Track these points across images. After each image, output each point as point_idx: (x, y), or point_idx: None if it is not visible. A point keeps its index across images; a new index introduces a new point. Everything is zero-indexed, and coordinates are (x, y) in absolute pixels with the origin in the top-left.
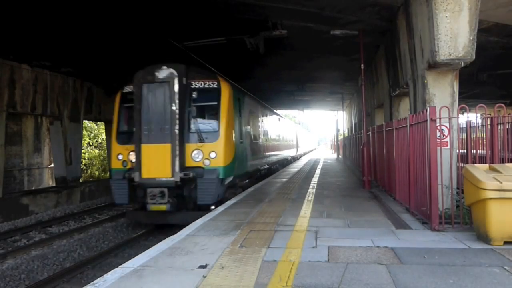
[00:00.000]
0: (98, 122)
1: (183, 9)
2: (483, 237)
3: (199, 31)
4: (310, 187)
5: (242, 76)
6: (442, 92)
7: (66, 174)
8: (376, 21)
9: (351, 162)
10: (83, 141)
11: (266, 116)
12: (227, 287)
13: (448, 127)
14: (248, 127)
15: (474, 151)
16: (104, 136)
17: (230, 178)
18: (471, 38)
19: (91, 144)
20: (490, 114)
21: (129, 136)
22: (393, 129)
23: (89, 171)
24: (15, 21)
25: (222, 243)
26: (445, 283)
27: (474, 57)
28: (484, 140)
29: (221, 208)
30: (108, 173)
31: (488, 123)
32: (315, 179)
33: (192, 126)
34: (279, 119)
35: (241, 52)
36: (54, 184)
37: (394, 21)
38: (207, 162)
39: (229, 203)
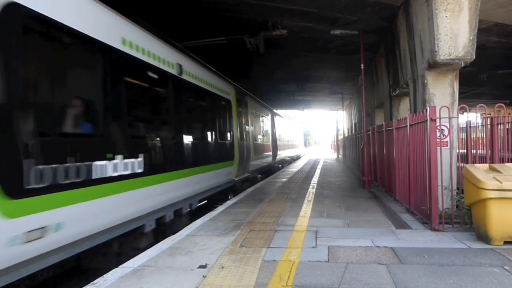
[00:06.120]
0: None
1: (183, 9)
2: (483, 237)
3: (199, 31)
4: (310, 187)
5: (242, 75)
6: (442, 92)
7: None
8: (376, 21)
9: (351, 162)
10: None
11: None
12: (227, 287)
13: (448, 127)
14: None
15: (474, 151)
16: None
17: None
18: (471, 38)
19: None
20: (490, 114)
21: None
22: (393, 129)
23: None
24: None
25: (222, 243)
26: (445, 283)
27: (474, 57)
28: (484, 140)
29: (221, 208)
30: None
31: (488, 123)
32: (315, 179)
33: None
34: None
35: (241, 51)
36: None
37: (394, 21)
38: None
39: (229, 203)
